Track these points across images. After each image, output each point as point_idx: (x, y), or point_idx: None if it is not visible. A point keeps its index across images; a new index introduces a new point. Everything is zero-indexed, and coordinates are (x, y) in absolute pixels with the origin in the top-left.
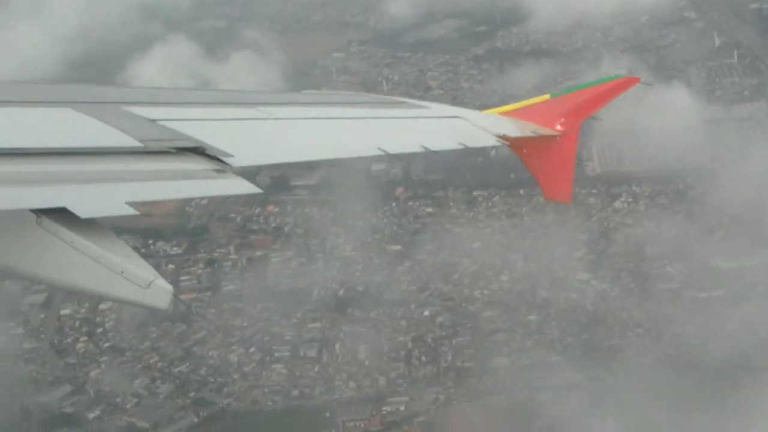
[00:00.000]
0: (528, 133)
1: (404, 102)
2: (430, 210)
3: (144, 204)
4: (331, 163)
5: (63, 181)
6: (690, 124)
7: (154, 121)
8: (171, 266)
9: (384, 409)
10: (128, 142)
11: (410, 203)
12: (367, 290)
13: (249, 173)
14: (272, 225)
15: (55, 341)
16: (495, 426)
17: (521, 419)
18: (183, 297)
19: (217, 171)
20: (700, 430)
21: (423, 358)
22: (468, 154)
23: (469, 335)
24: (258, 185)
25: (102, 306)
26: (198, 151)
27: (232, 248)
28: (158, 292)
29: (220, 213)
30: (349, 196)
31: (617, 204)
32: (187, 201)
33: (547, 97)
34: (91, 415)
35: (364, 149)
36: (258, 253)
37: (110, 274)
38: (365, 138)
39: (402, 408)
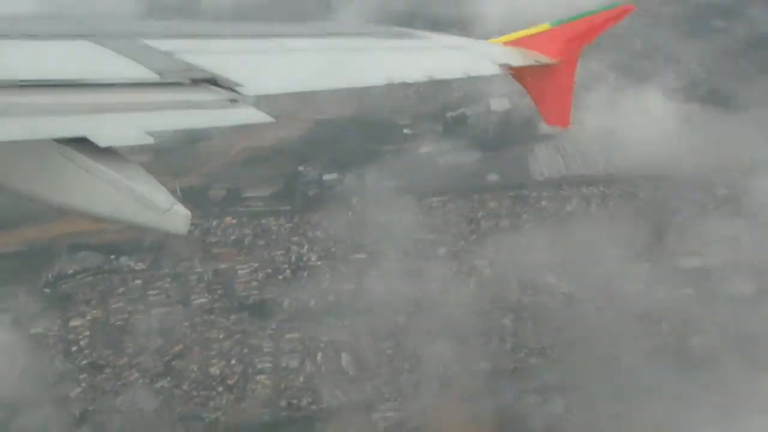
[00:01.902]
0: (530, 62)
1: (412, 33)
2: (386, 218)
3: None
4: (286, 175)
5: (82, 112)
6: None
7: (169, 53)
8: (138, 281)
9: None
10: (144, 74)
11: (367, 211)
12: (338, 299)
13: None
14: (231, 237)
15: (30, 361)
16: None
17: None
18: (153, 312)
19: (231, 101)
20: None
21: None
22: (421, 160)
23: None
24: (212, 199)
25: (74, 323)
26: (211, 81)
27: (196, 261)
28: (177, 217)
29: None
30: (303, 205)
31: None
32: None
33: (546, 26)
34: None
35: (372, 79)
36: (223, 266)
37: (130, 200)
38: (373, 68)
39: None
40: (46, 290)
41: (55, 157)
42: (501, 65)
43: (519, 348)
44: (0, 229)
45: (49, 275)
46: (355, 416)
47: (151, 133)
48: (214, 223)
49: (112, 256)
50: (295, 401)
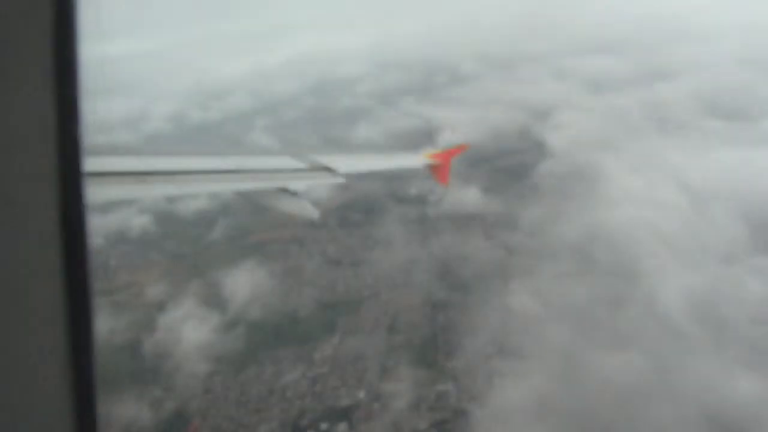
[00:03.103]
0: (433, 162)
1: (397, 152)
2: None
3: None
4: None
5: (286, 179)
6: None
7: (313, 159)
8: None
9: None
10: (301, 165)
11: None
12: None
13: None
14: None
15: None
16: None
17: None
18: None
19: (333, 175)
20: None
21: None
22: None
23: None
24: None
25: None
26: (326, 168)
27: None
28: (315, 215)
29: None
30: None
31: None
32: None
33: (440, 150)
34: None
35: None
36: None
37: (305, 208)
38: (376, 161)
39: None
40: None
41: (276, 193)
42: (424, 164)
43: None
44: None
45: None
46: None
47: (308, 185)
48: None
49: None
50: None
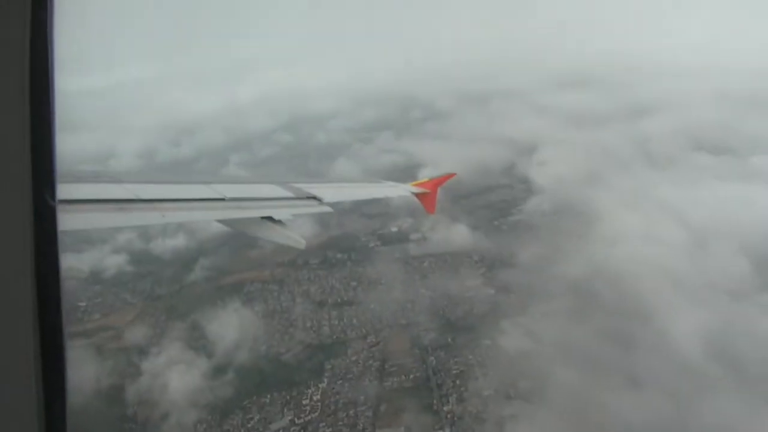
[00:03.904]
0: (420, 191)
1: (380, 181)
2: None
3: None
4: None
5: (271, 207)
6: None
7: (298, 188)
8: None
9: None
10: (288, 194)
11: None
12: None
13: None
14: None
15: None
16: None
17: None
18: None
19: (320, 204)
20: None
21: None
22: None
23: None
24: None
25: None
26: (313, 197)
27: None
28: (300, 244)
29: None
30: None
31: None
32: None
33: (427, 179)
34: None
35: (370, 194)
36: None
37: (289, 237)
38: (364, 191)
39: None
40: None
41: (261, 222)
42: (411, 192)
43: None
44: None
45: None
46: None
47: (294, 215)
48: None
49: None
50: None
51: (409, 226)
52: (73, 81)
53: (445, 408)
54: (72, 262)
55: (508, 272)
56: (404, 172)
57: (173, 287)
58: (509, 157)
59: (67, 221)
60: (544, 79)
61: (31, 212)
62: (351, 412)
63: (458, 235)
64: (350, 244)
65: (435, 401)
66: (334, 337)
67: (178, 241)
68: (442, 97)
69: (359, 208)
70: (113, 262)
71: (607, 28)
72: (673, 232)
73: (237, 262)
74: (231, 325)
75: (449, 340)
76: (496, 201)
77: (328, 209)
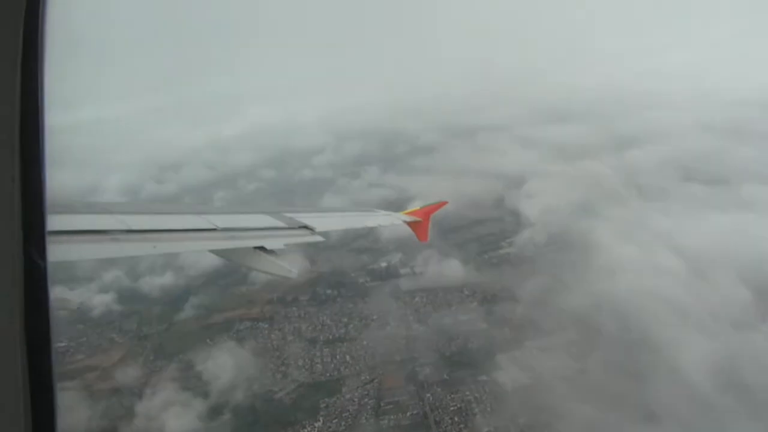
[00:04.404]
0: (412, 219)
1: (372, 210)
2: None
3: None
4: None
5: (264, 237)
6: None
7: (290, 218)
8: None
9: None
10: (280, 224)
11: None
12: None
13: None
14: None
15: None
16: None
17: None
18: None
19: (312, 233)
20: None
21: None
22: None
23: None
24: None
25: None
26: (305, 227)
27: None
28: (293, 273)
29: None
30: None
31: None
32: None
33: (418, 207)
34: None
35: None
36: None
37: (281, 268)
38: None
39: None
40: None
41: (254, 252)
42: (402, 221)
43: None
44: None
45: None
46: None
47: (287, 244)
48: None
49: None
50: None
51: (398, 261)
52: (56, 117)
53: None
54: (62, 295)
55: (502, 306)
56: (393, 206)
57: (161, 326)
58: (498, 190)
59: (59, 252)
60: (529, 113)
61: (21, 244)
62: None
63: (449, 269)
64: (339, 279)
65: None
66: (328, 374)
67: (166, 279)
68: (426, 131)
69: (347, 243)
70: (100, 300)
71: (589, 61)
72: (671, 263)
73: (226, 300)
74: (221, 364)
75: (445, 375)
76: (485, 234)
77: (320, 238)
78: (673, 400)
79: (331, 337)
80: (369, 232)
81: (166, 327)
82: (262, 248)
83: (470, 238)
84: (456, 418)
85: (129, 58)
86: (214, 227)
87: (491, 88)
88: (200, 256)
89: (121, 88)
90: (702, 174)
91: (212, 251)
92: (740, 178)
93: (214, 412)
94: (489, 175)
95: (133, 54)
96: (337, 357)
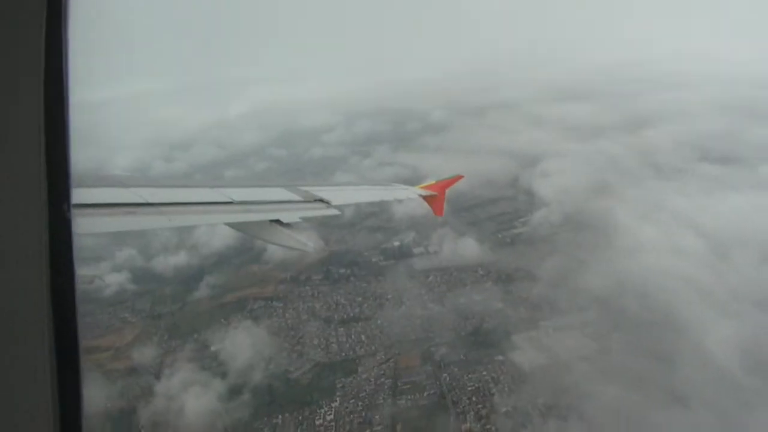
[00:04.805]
0: (428, 193)
1: (388, 183)
2: None
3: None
4: None
5: (280, 210)
6: None
7: (307, 191)
8: None
9: None
10: (297, 197)
11: None
12: None
13: None
14: None
15: None
16: None
17: None
18: None
19: (328, 206)
20: None
21: None
22: None
23: None
24: None
25: None
26: (321, 200)
27: None
28: (309, 247)
29: None
30: None
31: None
32: None
33: (433, 182)
34: None
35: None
36: None
37: (297, 241)
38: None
39: None
40: None
41: (269, 225)
42: (418, 195)
43: None
44: None
45: None
46: None
47: (302, 217)
48: None
49: None
50: None
51: (411, 240)
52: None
53: (463, 427)
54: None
55: (517, 285)
56: (406, 183)
57: (174, 305)
58: (511, 169)
59: (78, 225)
60: (541, 91)
61: (47, 216)
62: None
63: (463, 248)
64: (352, 259)
65: (452, 419)
66: (343, 354)
67: (179, 258)
68: (436, 110)
69: (360, 222)
70: (113, 279)
71: (603, 38)
72: (692, 243)
73: (239, 279)
74: (236, 344)
75: (461, 356)
76: (500, 213)
77: (336, 212)
78: (695, 381)
79: (345, 316)
80: (381, 211)
81: (179, 306)
82: (278, 222)
83: (484, 217)
84: (474, 398)
85: (137, 41)
86: (230, 200)
87: (502, 66)
88: (212, 234)
89: (123, 69)
90: (717, 154)
91: (228, 224)
92: (756, 159)
93: (229, 392)
94: (502, 154)
95: (140, 38)
96: (352, 336)
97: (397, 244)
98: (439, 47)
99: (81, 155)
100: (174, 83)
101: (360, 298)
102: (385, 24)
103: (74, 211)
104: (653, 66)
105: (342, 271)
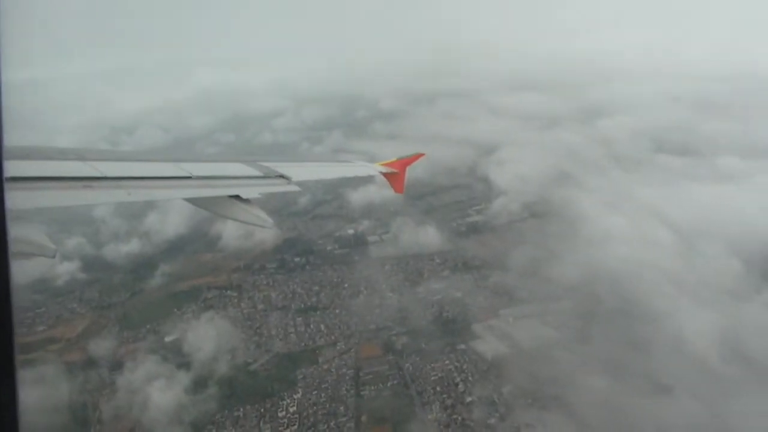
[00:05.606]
0: (388, 170)
1: (349, 160)
2: None
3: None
4: None
5: (240, 186)
6: None
7: (268, 167)
8: None
9: None
10: (257, 173)
11: None
12: None
13: None
14: None
15: None
16: None
17: None
18: None
19: (288, 182)
20: None
21: None
22: None
23: None
24: None
25: None
26: (282, 176)
27: None
28: (268, 223)
29: None
30: None
31: None
32: None
33: (395, 159)
34: None
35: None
36: None
37: (256, 216)
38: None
39: None
40: None
41: (229, 201)
42: (379, 172)
43: None
44: None
45: None
46: None
47: (262, 193)
48: None
49: None
50: None
51: (365, 228)
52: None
53: (429, 417)
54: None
55: (473, 274)
56: None
57: (125, 294)
58: (467, 157)
59: (32, 199)
60: (494, 81)
61: None
62: (332, 424)
63: (419, 236)
64: (307, 247)
65: (418, 409)
66: (303, 344)
67: (131, 246)
68: (385, 97)
69: (313, 209)
70: (63, 269)
71: (557, 30)
72: (658, 233)
73: (191, 267)
74: (192, 334)
75: (423, 345)
76: (455, 201)
77: (296, 188)
78: (678, 370)
79: (303, 305)
80: (334, 198)
81: (129, 295)
82: (237, 197)
83: (439, 205)
84: (438, 388)
85: (76, 20)
86: (189, 175)
87: (454, 55)
88: (165, 222)
89: (67, 50)
90: (674, 145)
91: (187, 199)
92: (711, 150)
93: (188, 384)
94: (456, 142)
95: (81, 17)
96: (311, 326)
97: (351, 232)
98: (392, 34)
99: (18, 136)
100: (115, 64)
101: (317, 287)
102: (342, 8)
103: (24, 183)
104: (604, 57)
105: (297, 259)
